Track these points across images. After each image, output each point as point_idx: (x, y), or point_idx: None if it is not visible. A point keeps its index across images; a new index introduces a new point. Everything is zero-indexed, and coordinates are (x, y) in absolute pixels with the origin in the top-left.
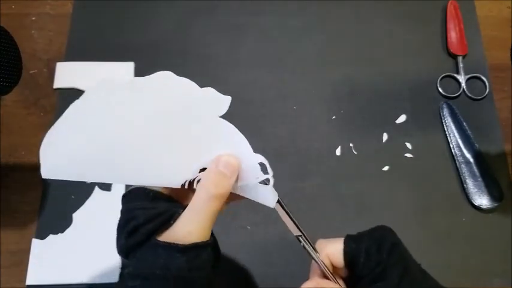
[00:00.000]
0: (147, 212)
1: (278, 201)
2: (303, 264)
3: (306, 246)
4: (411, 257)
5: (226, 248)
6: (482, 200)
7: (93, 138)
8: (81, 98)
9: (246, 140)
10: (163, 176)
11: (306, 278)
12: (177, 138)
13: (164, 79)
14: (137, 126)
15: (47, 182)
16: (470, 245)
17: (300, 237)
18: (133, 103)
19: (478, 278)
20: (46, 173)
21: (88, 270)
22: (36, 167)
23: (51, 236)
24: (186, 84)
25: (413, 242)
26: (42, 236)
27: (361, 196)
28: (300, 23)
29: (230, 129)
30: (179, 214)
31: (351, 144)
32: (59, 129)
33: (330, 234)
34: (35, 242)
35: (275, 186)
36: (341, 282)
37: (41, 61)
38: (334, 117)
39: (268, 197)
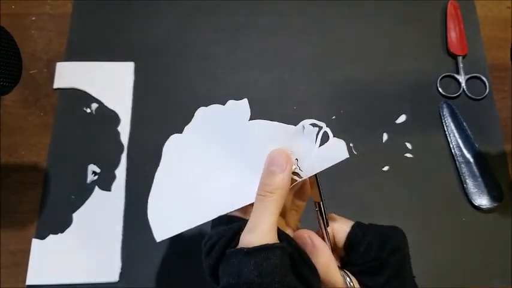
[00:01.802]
0: (220, 231)
1: None
2: None
3: (323, 213)
4: (409, 266)
5: None
6: (482, 200)
7: (183, 190)
8: (160, 163)
9: (280, 123)
10: (245, 196)
11: None
12: (237, 157)
13: (202, 115)
14: (207, 164)
15: (47, 182)
16: (470, 245)
17: (320, 204)
18: (196, 147)
19: (478, 278)
20: (159, 235)
21: (88, 270)
22: (36, 167)
23: (51, 236)
24: (215, 109)
25: (414, 242)
26: (42, 236)
27: (361, 196)
28: (300, 23)
29: (263, 125)
30: (245, 225)
31: (351, 144)
32: (155, 195)
33: None
34: (35, 242)
35: None
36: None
37: (41, 61)
38: (334, 117)
39: (336, 149)
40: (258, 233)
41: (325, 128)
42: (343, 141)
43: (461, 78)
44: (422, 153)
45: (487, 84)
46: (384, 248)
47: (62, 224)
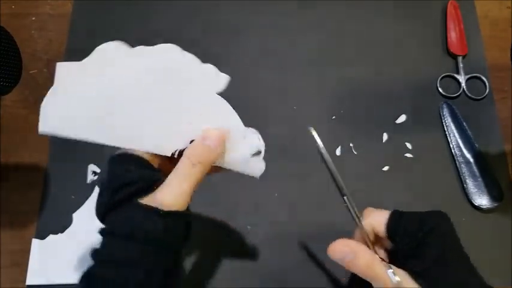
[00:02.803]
0: (132, 174)
1: (324, 160)
2: (303, 264)
3: (350, 208)
4: (458, 244)
5: (226, 248)
6: (482, 200)
7: (93, 98)
8: (86, 58)
9: (237, 116)
10: (156, 143)
11: (307, 278)
12: (173, 108)
13: (169, 51)
14: (136, 92)
15: (47, 182)
16: (470, 245)
17: (346, 198)
18: (135, 69)
19: None
20: (43, 128)
21: None
22: (36, 167)
23: (51, 236)
24: (189, 58)
25: None
26: (42, 236)
27: (361, 196)
28: (300, 23)
29: (224, 105)
30: (161, 181)
31: (351, 144)
32: (59, 85)
33: (330, 234)
34: (35, 242)
35: (276, 183)
36: (382, 252)
37: (41, 61)
38: (334, 117)
39: (256, 167)
40: (179, 199)
41: (262, 148)
42: (264, 166)
43: (461, 78)
44: (422, 153)
45: (487, 84)
46: (421, 228)
47: (62, 224)
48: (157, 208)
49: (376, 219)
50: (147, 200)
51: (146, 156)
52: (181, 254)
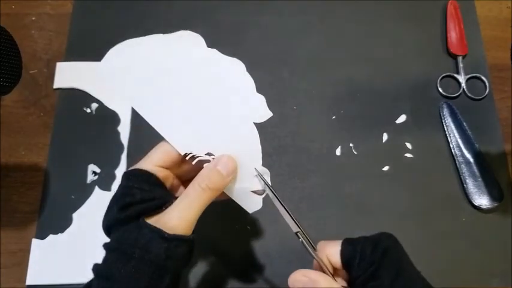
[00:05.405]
0: (143, 193)
1: (276, 198)
2: (303, 264)
3: (305, 243)
4: (409, 263)
5: (226, 248)
6: (482, 200)
7: (153, 71)
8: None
9: (261, 151)
10: (177, 137)
11: None
12: (209, 115)
13: (236, 66)
14: (189, 85)
15: (47, 182)
16: (470, 245)
17: (299, 234)
18: (201, 68)
19: (478, 278)
20: (104, 69)
21: (88, 270)
22: (36, 167)
23: (51, 236)
24: (249, 82)
25: (414, 242)
26: (42, 236)
27: (361, 196)
28: (300, 23)
29: (254, 137)
30: (171, 203)
31: (351, 144)
32: (130, 47)
33: (329, 234)
34: (35, 242)
35: (276, 183)
36: (340, 280)
37: (41, 61)
38: (334, 117)
39: (252, 204)
40: (184, 223)
41: (267, 190)
42: (260, 206)
43: (461, 78)
44: (422, 153)
45: (487, 84)
46: (376, 251)
47: (62, 224)
48: (161, 230)
49: (330, 251)
50: (154, 220)
51: (160, 175)
52: (181, 275)
